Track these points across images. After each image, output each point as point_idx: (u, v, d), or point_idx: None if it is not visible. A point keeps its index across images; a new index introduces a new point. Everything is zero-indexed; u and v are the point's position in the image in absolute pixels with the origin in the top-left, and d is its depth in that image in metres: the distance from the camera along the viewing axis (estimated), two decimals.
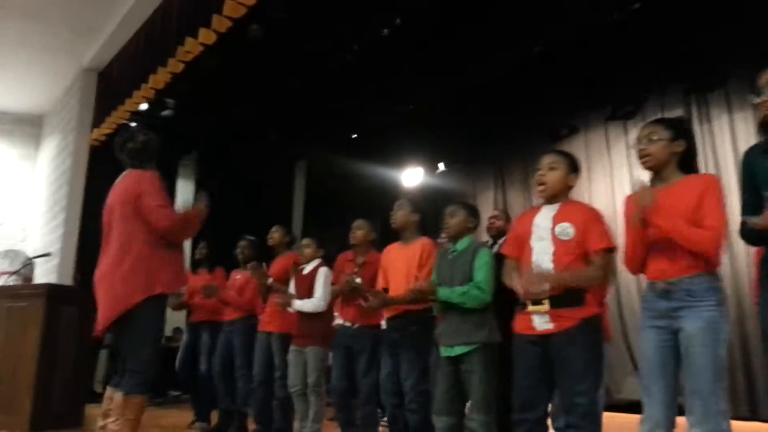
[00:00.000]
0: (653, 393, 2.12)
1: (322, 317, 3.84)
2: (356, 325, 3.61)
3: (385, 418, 4.97)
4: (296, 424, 3.96)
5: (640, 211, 2.14)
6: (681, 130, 2.29)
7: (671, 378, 2.13)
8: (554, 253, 2.37)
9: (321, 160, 9.26)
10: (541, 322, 2.35)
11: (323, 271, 3.91)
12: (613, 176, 7.34)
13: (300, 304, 3.86)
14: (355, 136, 8.28)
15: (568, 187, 2.50)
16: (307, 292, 3.90)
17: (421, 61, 6.26)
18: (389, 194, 9.47)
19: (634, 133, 7.35)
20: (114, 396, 2.73)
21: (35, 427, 4.39)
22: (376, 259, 3.68)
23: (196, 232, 2.99)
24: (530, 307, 2.38)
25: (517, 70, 6.29)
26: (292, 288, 4.09)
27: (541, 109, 7.20)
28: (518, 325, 2.45)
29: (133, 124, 3.00)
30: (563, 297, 2.31)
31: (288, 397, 3.97)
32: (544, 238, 2.41)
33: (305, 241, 4.12)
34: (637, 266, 2.30)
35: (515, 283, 2.45)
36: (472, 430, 2.64)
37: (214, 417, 4.96)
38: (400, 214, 3.40)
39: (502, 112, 7.24)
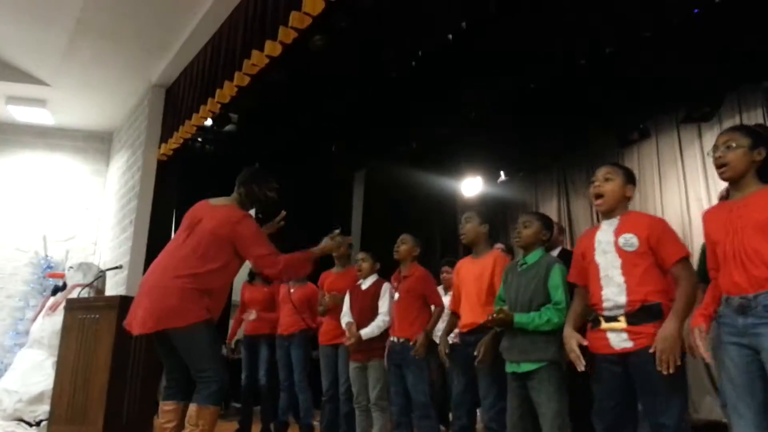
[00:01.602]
0: (742, 412, 1.98)
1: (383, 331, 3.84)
2: (401, 340, 3.62)
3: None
4: None
5: None
6: (762, 138, 2.20)
7: (761, 395, 1.99)
8: (622, 266, 2.32)
9: (380, 170, 9.22)
10: (618, 340, 2.27)
11: (387, 287, 3.91)
12: (686, 183, 6.99)
13: (369, 332, 3.81)
14: (414, 145, 8.19)
15: (626, 199, 2.46)
16: (368, 307, 3.87)
17: (482, 67, 6.12)
18: (448, 204, 9.36)
19: (709, 137, 7.00)
20: (168, 407, 2.75)
21: None
22: (418, 273, 3.72)
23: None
24: (604, 325, 2.29)
25: (582, 72, 6.06)
26: (346, 304, 4.06)
27: (609, 112, 6.92)
28: (593, 343, 2.36)
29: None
30: (640, 312, 2.23)
31: (353, 411, 3.96)
32: (608, 251, 2.37)
33: (361, 255, 4.10)
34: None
35: (576, 351, 2.37)
36: None
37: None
38: (469, 227, 3.31)
39: (566, 117, 6.99)
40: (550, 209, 8.45)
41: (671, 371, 2.10)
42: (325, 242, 3.09)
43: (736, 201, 2.14)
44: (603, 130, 7.42)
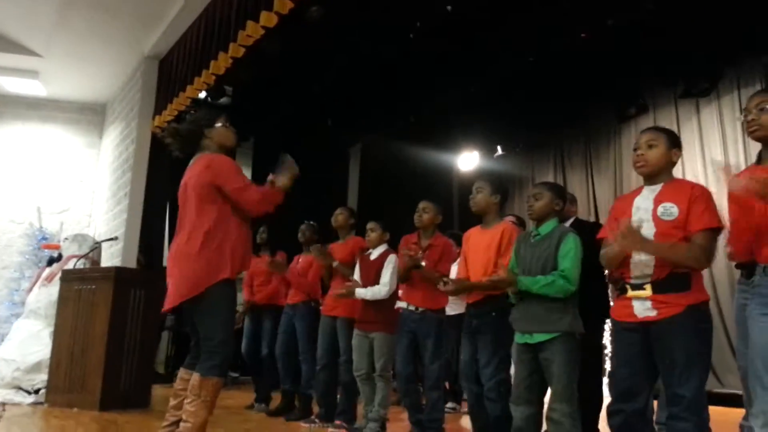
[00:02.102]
0: (767, 385, 1.93)
1: (389, 302, 3.78)
2: (420, 309, 3.54)
3: (449, 404, 4.94)
4: (360, 408, 3.95)
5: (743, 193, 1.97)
6: None
7: None
8: (655, 235, 2.22)
9: (376, 144, 9.20)
10: (642, 308, 2.20)
11: (393, 258, 3.85)
12: (683, 158, 6.96)
13: (362, 293, 3.81)
14: (411, 120, 8.15)
15: (671, 164, 2.33)
16: (374, 277, 3.85)
17: (480, 41, 6.07)
18: (445, 179, 9.36)
19: (706, 112, 7.00)
20: (186, 377, 2.75)
21: (105, 406, 4.53)
22: (442, 243, 3.59)
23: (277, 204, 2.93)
24: (630, 293, 2.24)
25: (580, 47, 6.02)
26: (357, 273, 4.04)
27: (607, 87, 6.90)
28: (616, 311, 2.32)
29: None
30: (666, 281, 2.15)
31: (353, 381, 3.96)
32: (645, 219, 2.25)
33: (370, 224, 4.03)
34: (743, 253, 2.13)
35: (610, 249, 2.30)
36: (555, 421, 2.50)
37: (275, 399, 5.03)
38: (480, 197, 3.18)
39: (564, 92, 6.97)
40: None
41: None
42: (280, 175, 2.96)
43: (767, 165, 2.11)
44: (601, 105, 7.41)
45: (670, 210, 2.21)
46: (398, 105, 7.81)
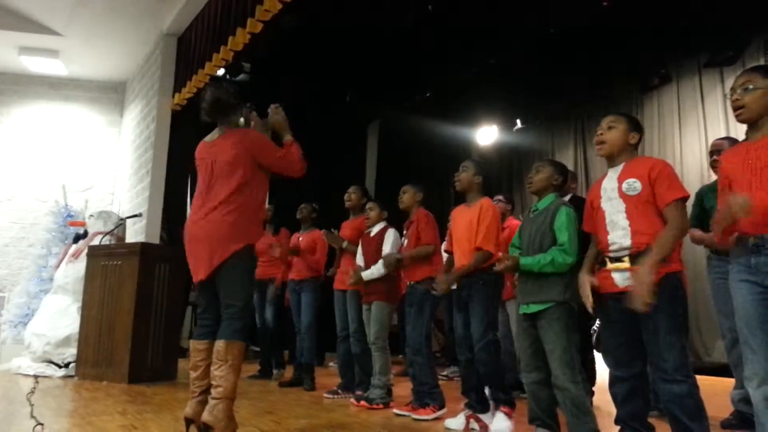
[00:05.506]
0: (755, 348, 2.02)
1: (386, 275, 3.95)
2: (410, 282, 3.79)
3: (445, 372, 5.20)
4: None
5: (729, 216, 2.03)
6: None
7: None
8: (626, 210, 2.36)
9: (394, 119, 9.16)
10: (622, 278, 2.32)
11: (391, 232, 4.06)
12: (707, 128, 6.86)
13: (368, 274, 3.98)
14: (429, 94, 8.09)
15: (630, 146, 2.47)
16: (374, 254, 4.02)
17: (500, 12, 5.97)
18: (463, 153, 9.31)
19: (731, 82, 6.80)
20: (201, 347, 2.79)
21: (133, 379, 4.67)
22: (421, 215, 3.82)
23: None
24: (609, 265, 2.36)
25: (601, 16, 5.89)
26: (360, 253, 4.21)
27: (630, 58, 6.76)
28: (600, 283, 2.43)
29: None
30: (644, 253, 2.25)
31: (363, 351, 4.18)
32: (613, 197, 2.41)
33: (369, 204, 4.25)
34: (725, 238, 2.16)
35: (587, 293, 2.42)
36: (560, 388, 2.58)
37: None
38: (463, 176, 3.45)
39: (586, 64, 6.85)
40: (567, 158, 8.38)
41: (647, 310, 2.17)
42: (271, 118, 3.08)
43: (754, 142, 2.14)
44: (623, 76, 7.26)
45: (634, 185, 2.35)
46: (416, 80, 7.75)
